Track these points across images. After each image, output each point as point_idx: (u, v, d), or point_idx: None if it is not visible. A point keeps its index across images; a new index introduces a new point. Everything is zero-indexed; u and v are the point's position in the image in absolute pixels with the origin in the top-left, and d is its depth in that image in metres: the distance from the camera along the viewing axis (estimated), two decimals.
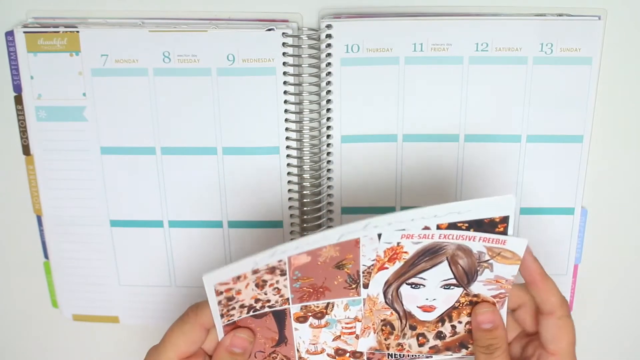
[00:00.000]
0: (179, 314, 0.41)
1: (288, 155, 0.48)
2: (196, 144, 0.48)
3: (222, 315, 0.40)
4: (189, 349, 0.41)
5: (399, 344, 0.42)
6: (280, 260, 0.38)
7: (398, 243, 0.38)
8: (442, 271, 0.39)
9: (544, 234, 0.50)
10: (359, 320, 0.42)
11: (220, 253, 0.51)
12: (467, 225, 0.37)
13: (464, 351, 0.42)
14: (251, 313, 0.41)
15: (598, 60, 0.46)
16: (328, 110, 0.48)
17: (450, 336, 0.42)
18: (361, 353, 0.43)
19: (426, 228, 0.37)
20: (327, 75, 0.47)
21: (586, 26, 0.45)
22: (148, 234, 0.51)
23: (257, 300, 0.40)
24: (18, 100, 0.48)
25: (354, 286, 0.40)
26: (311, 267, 0.39)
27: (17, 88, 0.48)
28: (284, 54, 0.46)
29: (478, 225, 0.37)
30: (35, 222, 0.52)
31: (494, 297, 0.40)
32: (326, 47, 0.46)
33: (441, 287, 0.40)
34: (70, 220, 0.51)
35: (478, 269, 0.39)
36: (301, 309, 0.41)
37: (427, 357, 0.43)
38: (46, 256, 0.52)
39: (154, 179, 0.49)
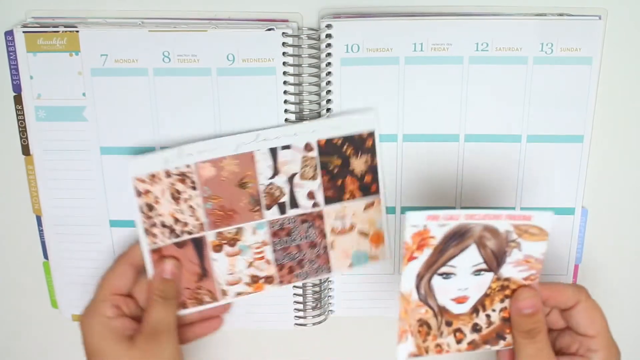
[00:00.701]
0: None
1: None
2: None
3: (146, 232, 0.44)
4: (119, 282, 0.46)
5: (437, 345, 0.42)
6: (188, 166, 0.43)
7: (425, 226, 0.39)
8: (471, 256, 0.40)
9: None
10: (266, 244, 0.45)
11: None
12: (341, 140, 0.43)
13: (502, 342, 0.43)
14: (173, 239, 0.45)
15: (598, 60, 0.46)
16: (328, 110, 0.48)
17: (487, 327, 0.42)
18: (273, 277, 0.46)
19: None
20: (327, 75, 0.47)
21: (586, 26, 0.45)
22: None
23: (176, 221, 0.44)
24: (17, 100, 0.48)
25: (257, 208, 0.44)
26: (218, 183, 0.43)
27: (17, 88, 0.48)
28: (284, 53, 0.46)
29: (351, 140, 0.44)
30: (35, 222, 0.52)
31: (525, 279, 0.41)
32: (326, 47, 0.46)
33: (472, 273, 0.41)
34: (70, 220, 0.51)
35: (507, 249, 0.40)
36: (216, 236, 0.45)
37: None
38: (46, 256, 0.52)
39: None
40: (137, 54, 0.46)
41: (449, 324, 0.42)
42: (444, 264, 0.40)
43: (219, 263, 0.46)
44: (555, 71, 0.46)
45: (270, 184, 0.44)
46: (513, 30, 0.45)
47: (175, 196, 0.44)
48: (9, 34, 0.47)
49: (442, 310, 0.42)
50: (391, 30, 0.46)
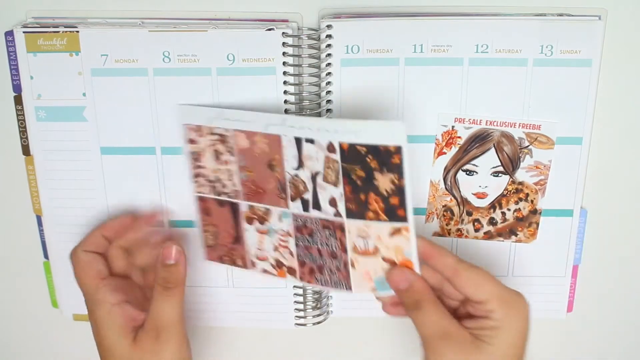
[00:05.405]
0: None
1: None
2: None
3: (194, 178, 0.47)
4: (91, 248, 0.46)
5: (458, 229, 0.50)
6: (227, 130, 0.44)
7: (452, 127, 0.47)
8: (490, 158, 0.47)
9: (543, 234, 0.50)
10: (290, 236, 0.46)
11: None
12: (365, 149, 0.40)
13: (513, 237, 0.50)
14: (214, 195, 0.47)
15: (598, 62, 0.46)
16: (328, 110, 0.48)
17: (502, 222, 0.49)
18: (295, 270, 0.47)
19: (333, 147, 0.41)
20: (327, 75, 0.47)
21: (586, 26, 0.45)
22: None
23: (217, 180, 0.46)
24: (18, 100, 0.48)
25: (283, 195, 0.45)
26: (251, 157, 0.44)
27: (17, 88, 0.48)
28: (284, 53, 0.46)
29: (376, 152, 0.40)
30: (35, 222, 0.52)
31: (536, 184, 0.48)
32: (326, 47, 0.46)
33: (491, 174, 0.48)
34: (70, 220, 0.51)
35: (520, 155, 0.47)
36: (249, 208, 0.46)
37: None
38: (46, 256, 0.52)
39: (154, 179, 0.49)
40: (137, 54, 0.46)
41: (469, 213, 0.49)
42: (468, 162, 0.47)
43: (250, 234, 0.47)
44: (555, 73, 0.46)
45: (296, 175, 0.43)
46: (513, 32, 0.45)
47: (217, 156, 0.45)
48: (9, 34, 0.47)
49: (464, 201, 0.49)
50: (391, 31, 0.45)
